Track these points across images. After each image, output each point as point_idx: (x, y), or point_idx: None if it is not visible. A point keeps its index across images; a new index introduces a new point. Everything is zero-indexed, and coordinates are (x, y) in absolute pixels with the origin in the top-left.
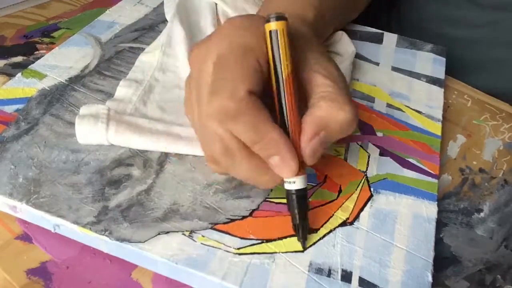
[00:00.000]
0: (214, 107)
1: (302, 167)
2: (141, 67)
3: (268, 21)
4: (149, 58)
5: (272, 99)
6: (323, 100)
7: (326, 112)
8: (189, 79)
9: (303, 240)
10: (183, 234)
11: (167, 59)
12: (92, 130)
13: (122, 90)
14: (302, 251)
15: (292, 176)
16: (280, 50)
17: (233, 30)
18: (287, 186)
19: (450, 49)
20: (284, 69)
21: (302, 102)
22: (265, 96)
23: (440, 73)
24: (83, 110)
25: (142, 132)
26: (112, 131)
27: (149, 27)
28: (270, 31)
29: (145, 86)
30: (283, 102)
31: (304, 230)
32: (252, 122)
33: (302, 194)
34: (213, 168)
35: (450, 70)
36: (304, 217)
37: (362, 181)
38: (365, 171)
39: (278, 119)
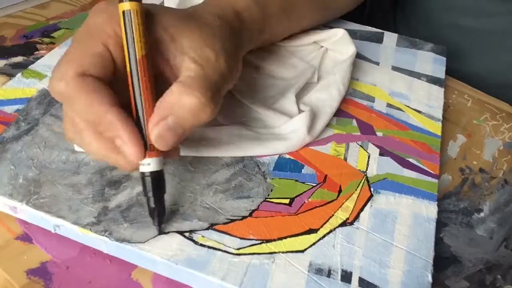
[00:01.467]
0: (51, 88)
1: (154, 149)
2: None
3: (121, 1)
4: None
5: (126, 82)
6: (176, 84)
7: (175, 97)
8: None
9: (159, 226)
10: (183, 234)
11: None
12: None
13: None
14: (302, 251)
15: (137, 159)
16: (134, 31)
17: (92, 13)
18: (141, 168)
19: (459, 39)
20: (138, 50)
21: None
22: (118, 79)
23: (440, 73)
24: None
25: None
26: None
27: None
28: (123, 11)
29: None
30: (136, 84)
31: (160, 214)
32: (85, 103)
33: (156, 176)
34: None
35: (456, 59)
36: (159, 201)
37: (362, 181)
38: (365, 171)
39: (133, 103)
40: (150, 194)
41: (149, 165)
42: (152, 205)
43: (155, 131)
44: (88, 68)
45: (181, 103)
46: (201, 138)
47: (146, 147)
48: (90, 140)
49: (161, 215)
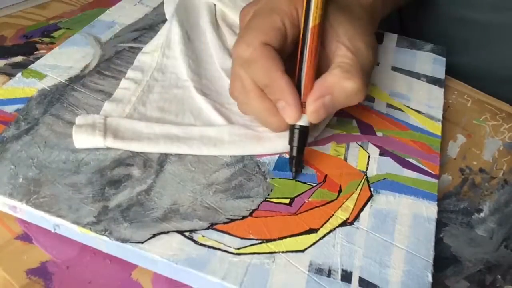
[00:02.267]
0: (236, 53)
1: (305, 108)
2: (140, 67)
3: None
4: (148, 58)
5: (295, 57)
6: (337, 68)
7: (336, 79)
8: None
9: (295, 173)
10: (183, 234)
11: (166, 60)
12: (90, 139)
13: (120, 90)
14: (302, 251)
15: (295, 121)
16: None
17: None
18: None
19: (465, 33)
20: (313, 19)
21: (325, 68)
22: (289, 57)
23: (440, 73)
24: (79, 120)
25: (140, 137)
26: (110, 139)
27: (149, 27)
28: None
29: (144, 87)
30: (305, 53)
31: (298, 163)
32: (263, 68)
33: (303, 130)
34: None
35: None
36: (300, 151)
37: (362, 181)
38: (365, 171)
39: (297, 72)
40: (295, 144)
41: (299, 120)
42: (293, 154)
43: (312, 106)
44: (271, 39)
45: (341, 86)
46: (201, 137)
47: None
48: (255, 98)
49: (299, 164)
